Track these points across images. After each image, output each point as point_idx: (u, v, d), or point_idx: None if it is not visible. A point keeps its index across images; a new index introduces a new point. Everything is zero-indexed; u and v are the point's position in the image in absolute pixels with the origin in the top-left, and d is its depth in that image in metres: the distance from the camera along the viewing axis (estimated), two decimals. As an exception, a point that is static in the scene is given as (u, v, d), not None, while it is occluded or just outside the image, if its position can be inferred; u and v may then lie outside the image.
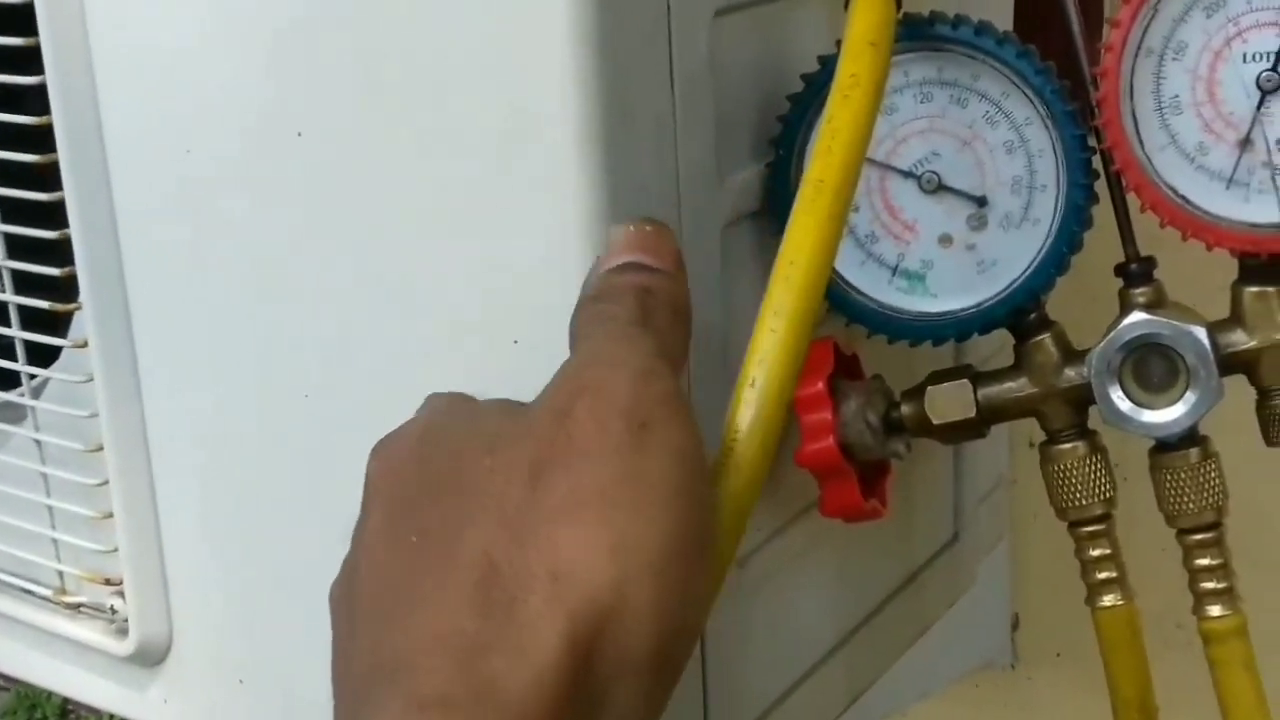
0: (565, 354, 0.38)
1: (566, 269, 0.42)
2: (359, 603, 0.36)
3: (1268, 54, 0.46)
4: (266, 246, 0.48)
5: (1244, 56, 0.46)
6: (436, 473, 0.36)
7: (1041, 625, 0.83)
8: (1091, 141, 0.48)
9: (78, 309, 0.53)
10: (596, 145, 0.42)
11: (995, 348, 0.55)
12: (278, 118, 0.47)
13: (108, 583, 0.56)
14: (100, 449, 0.54)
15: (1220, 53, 0.46)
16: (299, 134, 0.46)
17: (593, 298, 0.40)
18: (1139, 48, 0.46)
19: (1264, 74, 0.46)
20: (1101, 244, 0.49)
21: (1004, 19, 0.62)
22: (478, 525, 0.34)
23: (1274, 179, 0.46)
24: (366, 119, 0.45)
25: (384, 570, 0.36)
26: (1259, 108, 0.46)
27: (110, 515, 0.54)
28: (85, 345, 0.53)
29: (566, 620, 0.32)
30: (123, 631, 0.55)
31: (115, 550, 0.54)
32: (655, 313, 0.39)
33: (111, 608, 0.56)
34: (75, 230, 0.52)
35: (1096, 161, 0.48)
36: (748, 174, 0.49)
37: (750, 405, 0.38)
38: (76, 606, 0.57)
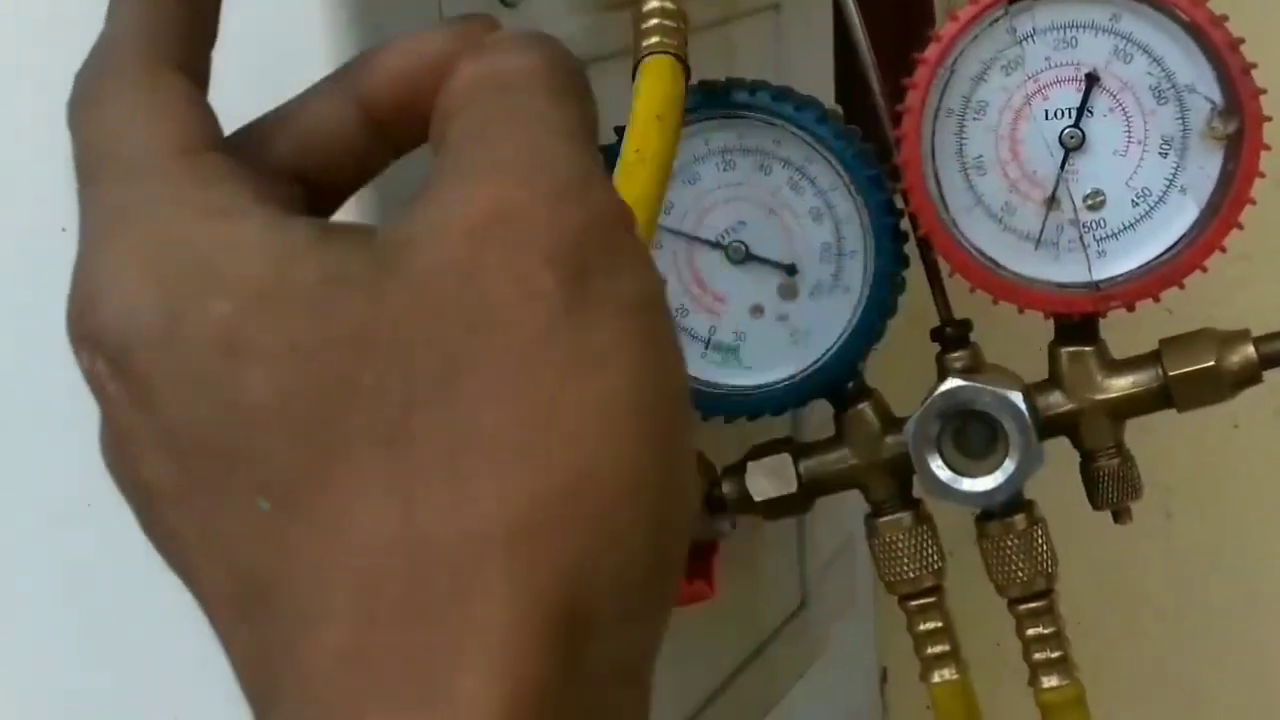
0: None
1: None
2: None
3: (1069, 110, 0.45)
4: None
5: (1045, 114, 0.45)
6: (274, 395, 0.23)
7: (911, 678, 0.82)
8: (900, 204, 0.46)
9: None
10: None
11: (828, 415, 0.53)
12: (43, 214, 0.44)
13: None
14: None
15: (1021, 111, 0.45)
16: (63, 230, 0.44)
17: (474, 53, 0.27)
18: (939, 108, 0.45)
19: (1066, 130, 0.45)
20: (928, 305, 0.48)
21: (825, 84, 0.61)
22: (370, 493, 0.22)
23: (1082, 238, 0.45)
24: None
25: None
26: (1063, 165, 0.45)
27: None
28: None
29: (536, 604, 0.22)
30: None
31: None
32: (585, 93, 0.28)
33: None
34: None
35: (906, 225, 0.47)
36: (548, 251, 0.47)
37: None
38: None
